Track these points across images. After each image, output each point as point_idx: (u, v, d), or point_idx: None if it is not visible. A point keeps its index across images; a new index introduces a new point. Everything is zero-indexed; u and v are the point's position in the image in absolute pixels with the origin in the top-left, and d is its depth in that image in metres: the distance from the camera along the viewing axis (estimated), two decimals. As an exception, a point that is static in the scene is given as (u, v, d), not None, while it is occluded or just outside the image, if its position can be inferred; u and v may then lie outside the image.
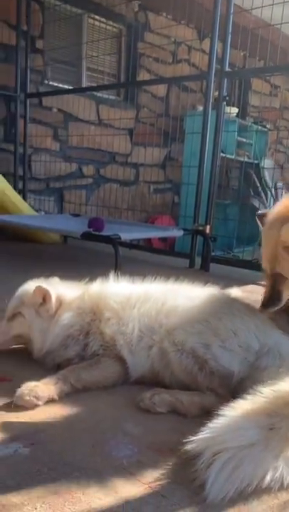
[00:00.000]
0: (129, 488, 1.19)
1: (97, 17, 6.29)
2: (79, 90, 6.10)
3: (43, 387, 1.60)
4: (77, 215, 5.43)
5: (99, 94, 6.37)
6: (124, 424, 1.51)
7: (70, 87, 6.12)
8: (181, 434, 1.43)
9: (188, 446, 1.24)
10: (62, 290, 1.95)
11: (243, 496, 1.16)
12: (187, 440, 1.26)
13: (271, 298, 1.75)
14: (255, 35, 4.57)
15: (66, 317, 1.85)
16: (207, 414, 1.35)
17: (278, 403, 1.33)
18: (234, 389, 1.59)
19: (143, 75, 6.76)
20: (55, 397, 1.61)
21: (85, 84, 6.37)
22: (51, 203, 6.02)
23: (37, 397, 1.56)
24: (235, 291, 1.90)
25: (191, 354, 1.63)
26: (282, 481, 1.19)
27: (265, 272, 1.78)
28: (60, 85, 6.06)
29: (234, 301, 1.86)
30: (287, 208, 1.71)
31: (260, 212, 1.77)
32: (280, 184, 6.92)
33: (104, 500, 1.15)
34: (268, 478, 1.16)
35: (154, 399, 1.57)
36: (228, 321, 1.69)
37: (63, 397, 1.63)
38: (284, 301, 1.74)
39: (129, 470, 1.27)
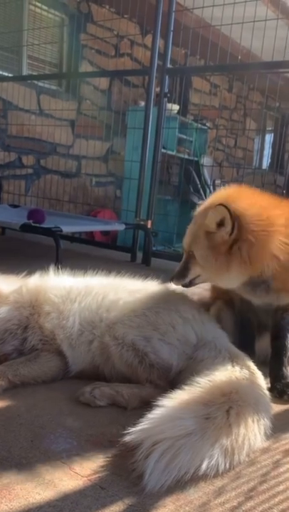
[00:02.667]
0: (68, 482, 1.19)
1: (38, 4, 6.12)
2: (19, 78, 5.93)
3: (-21, 384, 1.55)
4: (16, 206, 5.29)
5: (40, 83, 6.22)
6: (63, 418, 1.51)
7: (10, 75, 5.93)
8: (120, 426, 1.45)
9: (128, 438, 1.26)
10: (-2, 283, 1.90)
11: (181, 484, 1.20)
12: (126, 432, 1.27)
13: (179, 273, 1.86)
14: (196, 34, 4.65)
15: (3, 311, 1.81)
16: (147, 405, 1.38)
17: (214, 393, 1.38)
18: (173, 380, 1.63)
19: (85, 67, 6.67)
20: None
21: (25, 72, 6.19)
22: (-12, 193, 5.82)
23: (-27, 394, 1.52)
24: (174, 285, 1.94)
25: (131, 347, 1.65)
26: (217, 468, 1.24)
27: (184, 249, 1.87)
28: (0, 72, 5.86)
29: (173, 295, 1.90)
30: (218, 197, 1.80)
31: (200, 202, 1.86)
32: (218, 181, 7.10)
33: (43, 494, 1.14)
34: (204, 466, 1.21)
35: (94, 392, 1.58)
36: (166, 315, 1.72)
37: (1, 393, 1.60)
38: (189, 278, 1.85)
39: (68, 464, 1.27)
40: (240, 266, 1.70)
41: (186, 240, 1.83)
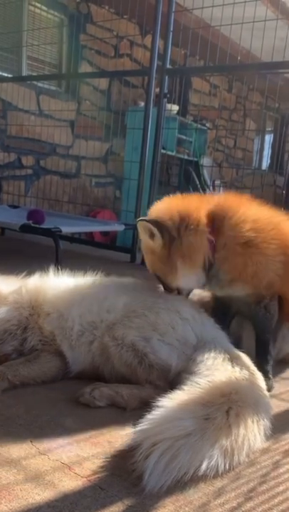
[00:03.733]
0: (67, 483, 1.19)
1: (37, 4, 6.13)
2: (19, 79, 5.93)
3: (-22, 384, 1.55)
4: (15, 207, 5.29)
5: (39, 84, 6.22)
6: (63, 418, 1.50)
7: (10, 75, 5.93)
8: (120, 427, 1.45)
9: (127, 439, 1.26)
10: (-3, 284, 1.90)
11: (180, 484, 1.20)
12: (126, 432, 1.27)
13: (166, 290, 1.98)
14: (196, 34, 4.65)
15: (1, 312, 1.81)
16: (146, 406, 1.37)
17: (214, 394, 1.38)
18: (172, 381, 1.63)
19: (85, 67, 6.67)
20: (-8, 393, 1.57)
21: (25, 73, 6.19)
22: (-13, 193, 5.83)
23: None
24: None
25: (130, 348, 1.65)
26: (217, 469, 1.24)
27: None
28: (-1, 73, 5.87)
29: (172, 296, 1.90)
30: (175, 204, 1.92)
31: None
32: (217, 182, 7.11)
33: (42, 495, 1.14)
34: (203, 466, 1.21)
35: (94, 393, 1.58)
36: (166, 315, 1.73)
37: (0, 393, 1.60)
38: (175, 288, 1.95)
39: (67, 464, 1.27)
40: (183, 263, 1.83)
41: (149, 269, 1.98)
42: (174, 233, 1.82)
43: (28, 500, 1.12)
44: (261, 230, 1.84)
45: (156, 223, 1.82)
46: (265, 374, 1.81)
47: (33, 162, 6.30)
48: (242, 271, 1.84)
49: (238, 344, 1.94)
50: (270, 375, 1.88)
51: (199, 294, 2.28)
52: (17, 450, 1.31)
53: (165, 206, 1.93)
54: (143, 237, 1.89)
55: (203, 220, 1.83)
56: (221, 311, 2.07)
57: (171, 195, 2.04)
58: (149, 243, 1.88)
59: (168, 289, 1.95)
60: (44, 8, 6.21)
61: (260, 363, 1.86)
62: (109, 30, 6.73)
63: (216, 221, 1.85)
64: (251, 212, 1.89)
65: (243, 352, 1.73)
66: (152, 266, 1.94)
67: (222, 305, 2.08)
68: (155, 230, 1.82)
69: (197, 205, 1.89)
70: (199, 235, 1.82)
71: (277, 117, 10.56)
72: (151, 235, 1.85)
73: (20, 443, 1.35)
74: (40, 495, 1.14)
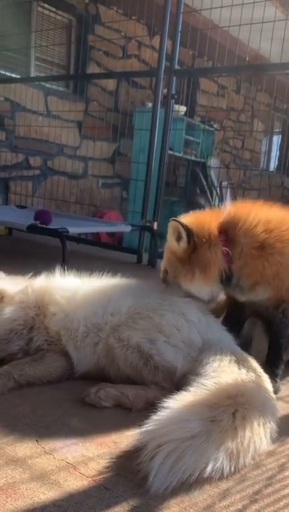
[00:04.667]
0: (72, 482, 1.20)
1: (46, 6, 6.15)
2: (27, 80, 5.96)
3: (-15, 383, 1.56)
4: (23, 207, 5.31)
5: (48, 85, 6.24)
6: (68, 418, 1.51)
7: (18, 76, 5.96)
8: (125, 428, 1.46)
9: (133, 439, 1.26)
10: (3, 284, 1.91)
11: (185, 486, 1.19)
12: (131, 433, 1.27)
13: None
14: (204, 35, 4.65)
15: (8, 311, 1.82)
16: (152, 407, 1.37)
17: (220, 396, 1.38)
18: (178, 383, 1.63)
19: (93, 68, 6.69)
20: (-2, 392, 1.58)
21: (33, 74, 6.22)
22: (-4, 193, 5.86)
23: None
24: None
25: (136, 349, 1.65)
26: (222, 471, 1.24)
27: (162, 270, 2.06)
28: (8, 74, 5.89)
29: (177, 297, 1.89)
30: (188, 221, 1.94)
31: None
32: (225, 183, 7.09)
33: (48, 494, 1.14)
34: (209, 468, 1.21)
35: (99, 393, 1.58)
36: (171, 317, 1.72)
37: (6, 393, 1.60)
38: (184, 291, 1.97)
39: (73, 464, 1.27)
40: (199, 274, 1.86)
41: (163, 262, 2.04)
42: (198, 241, 1.85)
43: (33, 499, 1.12)
44: (275, 230, 1.83)
45: (187, 227, 1.86)
46: (274, 377, 1.81)
47: (41, 163, 6.32)
48: (262, 273, 1.82)
49: (248, 346, 1.94)
50: (278, 379, 1.88)
51: None
52: (23, 449, 1.32)
53: (194, 217, 1.97)
54: (169, 237, 1.93)
55: (215, 233, 1.86)
56: (234, 318, 2.08)
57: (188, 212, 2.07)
58: (173, 243, 1.92)
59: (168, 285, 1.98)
60: (53, 9, 6.23)
61: (272, 366, 1.86)
62: (118, 31, 6.74)
63: (229, 232, 1.86)
64: (262, 214, 1.88)
65: (249, 354, 1.73)
66: (168, 264, 1.97)
67: (236, 310, 2.08)
68: (184, 233, 1.85)
69: (209, 219, 1.92)
70: (212, 248, 1.84)
71: (285, 118, 10.51)
72: (178, 237, 1.88)
73: (26, 442, 1.35)
74: (46, 494, 1.14)
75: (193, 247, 1.86)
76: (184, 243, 1.86)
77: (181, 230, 1.86)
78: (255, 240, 1.81)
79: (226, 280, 1.87)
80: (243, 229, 1.84)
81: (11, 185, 5.92)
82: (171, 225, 1.89)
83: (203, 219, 1.93)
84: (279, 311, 1.90)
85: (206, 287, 1.89)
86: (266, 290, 1.86)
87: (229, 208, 1.96)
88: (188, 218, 1.95)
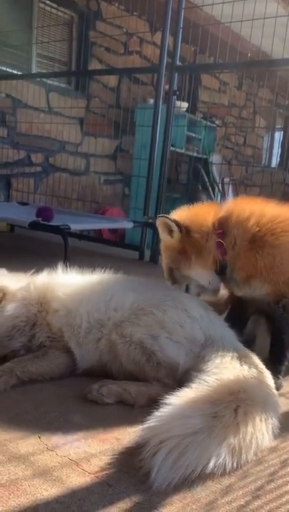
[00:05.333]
0: (75, 479, 1.20)
1: (48, 2, 6.13)
2: (29, 76, 5.94)
3: (-13, 380, 1.56)
4: (25, 204, 5.31)
5: (49, 81, 6.22)
6: (71, 415, 1.51)
7: (20, 73, 5.95)
8: (128, 424, 1.46)
9: (135, 436, 1.26)
10: (5, 281, 1.91)
11: (188, 482, 1.20)
12: (134, 429, 1.28)
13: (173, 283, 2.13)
14: (206, 31, 4.63)
15: (10, 308, 1.82)
16: (154, 403, 1.38)
17: (222, 392, 1.38)
18: (180, 379, 1.63)
19: (94, 65, 6.67)
20: (1, 389, 1.58)
21: (34, 70, 6.21)
22: (-3, 190, 5.86)
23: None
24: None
25: (138, 346, 1.65)
26: (224, 467, 1.24)
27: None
28: (9, 70, 5.88)
29: (179, 294, 1.90)
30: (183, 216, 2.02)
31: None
32: (227, 179, 7.08)
33: (50, 491, 1.15)
34: (211, 464, 1.21)
35: (102, 390, 1.58)
36: (174, 313, 1.72)
37: (9, 389, 1.61)
38: (186, 278, 2.07)
39: (75, 460, 1.28)
40: (196, 258, 1.94)
41: (163, 261, 2.12)
42: (191, 230, 1.94)
43: (36, 495, 1.13)
44: (267, 223, 1.86)
45: (173, 219, 1.96)
46: (276, 373, 1.81)
47: (43, 159, 6.31)
48: (255, 265, 1.86)
49: (251, 344, 1.94)
50: (281, 375, 1.88)
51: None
52: (25, 446, 1.32)
53: (180, 213, 2.06)
54: (162, 233, 2.01)
55: (208, 223, 1.93)
56: (237, 315, 2.10)
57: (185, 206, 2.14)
58: (167, 239, 2.01)
59: (176, 283, 2.04)
60: (54, 5, 6.21)
61: (274, 362, 1.86)
62: (119, 28, 6.72)
63: (224, 224, 1.92)
64: (257, 208, 1.92)
65: (252, 351, 1.73)
66: (168, 258, 2.05)
67: (239, 308, 2.10)
68: (174, 226, 1.95)
69: (205, 211, 2.01)
70: (205, 236, 1.92)
71: (287, 114, 10.48)
72: (170, 232, 1.98)
73: (29, 439, 1.36)
74: (48, 490, 1.15)
75: (187, 235, 1.94)
76: (176, 233, 1.96)
77: (170, 222, 1.96)
78: (246, 232, 1.87)
79: (221, 270, 1.93)
80: (236, 221, 1.90)
81: (12, 182, 5.92)
82: (160, 222, 1.99)
83: (198, 211, 2.02)
84: (280, 307, 1.90)
85: (204, 271, 1.96)
86: (262, 284, 1.88)
87: (229, 203, 2.02)
88: (184, 211, 2.04)
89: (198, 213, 2.00)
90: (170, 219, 1.96)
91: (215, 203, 2.13)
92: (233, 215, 1.93)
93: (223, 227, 1.92)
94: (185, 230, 1.94)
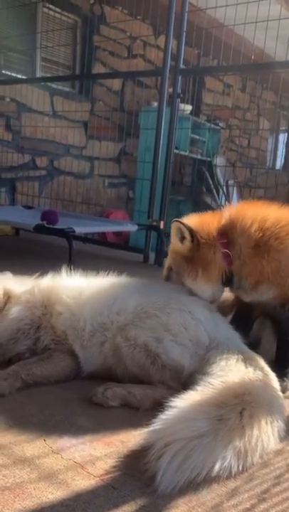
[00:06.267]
0: (80, 482, 1.20)
1: (52, 7, 6.16)
2: (33, 80, 5.97)
3: (-7, 383, 1.57)
4: (30, 207, 5.33)
5: (53, 85, 6.25)
6: (76, 418, 1.51)
7: (24, 77, 5.98)
8: (133, 427, 1.46)
9: (140, 438, 1.26)
10: (10, 284, 1.91)
11: (193, 485, 1.19)
12: (139, 432, 1.27)
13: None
14: (209, 34, 4.63)
15: (14, 311, 1.83)
16: (159, 406, 1.37)
17: (227, 394, 1.38)
18: (185, 382, 1.62)
19: (98, 68, 6.69)
20: (6, 392, 1.59)
21: (39, 74, 6.24)
22: (2, 194, 5.87)
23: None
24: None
25: (143, 348, 1.65)
26: (230, 470, 1.23)
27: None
28: (14, 74, 5.91)
29: (183, 296, 1.89)
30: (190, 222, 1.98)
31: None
32: (231, 182, 7.07)
33: (56, 494, 1.14)
34: (216, 467, 1.20)
35: (106, 393, 1.58)
36: (178, 316, 1.72)
37: (14, 392, 1.61)
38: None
39: (80, 463, 1.27)
40: (202, 273, 1.90)
41: (167, 260, 2.09)
42: (199, 240, 1.90)
43: (41, 499, 1.13)
44: (270, 228, 1.84)
45: (189, 227, 1.91)
46: (282, 376, 1.80)
47: (47, 163, 6.33)
48: (262, 271, 1.83)
49: (256, 346, 1.93)
50: (286, 377, 1.87)
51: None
52: (30, 449, 1.32)
53: (196, 218, 2.01)
54: (173, 238, 1.97)
55: (214, 234, 1.90)
56: (243, 318, 2.09)
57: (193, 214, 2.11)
58: (177, 244, 1.96)
59: (169, 281, 2.04)
60: (58, 10, 6.24)
61: (280, 365, 1.85)
62: (123, 31, 6.74)
63: (229, 234, 1.90)
64: (258, 214, 1.90)
65: (257, 353, 1.72)
66: (173, 262, 2.02)
67: (244, 311, 2.09)
68: (187, 233, 1.90)
69: (209, 221, 1.96)
70: (212, 249, 1.89)
71: (291, 116, 10.47)
72: (182, 238, 1.93)
73: (34, 442, 1.36)
74: (54, 494, 1.14)
75: (197, 246, 1.90)
76: (188, 242, 1.91)
77: (184, 229, 1.91)
78: (250, 239, 1.84)
79: (227, 281, 1.91)
80: (239, 229, 1.88)
81: (17, 186, 5.94)
82: (174, 226, 1.94)
83: (204, 221, 1.97)
84: (286, 309, 1.89)
85: (208, 287, 1.92)
86: (269, 289, 1.86)
87: (229, 210, 1.99)
88: (190, 220, 1.99)
89: (203, 223, 1.96)
90: (185, 225, 1.91)
91: (217, 212, 2.09)
92: (235, 223, 1.90)
93: (226, 236, 1.90)
94: (197, 241, 1.91)
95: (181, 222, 1.92)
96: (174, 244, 1.98)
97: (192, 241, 1.90)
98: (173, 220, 1.97)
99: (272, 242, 1.82)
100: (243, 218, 1.89)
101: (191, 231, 1.90)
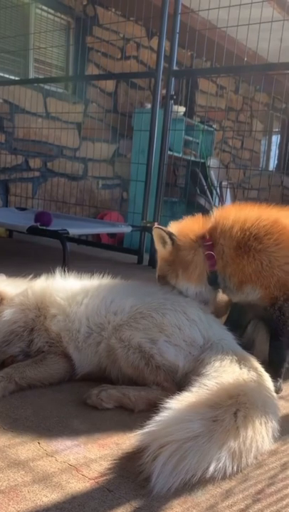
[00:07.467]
0: (75, 484, 1.19)
1: (44, 8, 6.16)
2: (26, 81, 5.95)
3: (-14, 386, 1.56)
4: (23, 209, 5.31)
5: (46, 86, 6.24)
6: (70, 420, 1.51)
7: (17, 78, 5.96)
8: (127, 429, 1.45)
9: (135, 440, 1.26)
10: (3, 286, 1.91)
11: (188, 486, 1.19)
12: (133, 434, 1.27)
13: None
14: (202, 36, 4.65)
15: (8, 313, 1.82)
16: (154, 408, 1.37)
17: (222, 395, 1.38)
18: (179, 382, 1.63)
19: (91, 70, 6.69)
20: None
21: (32, 75, 6.22)
22: (-4, 196, 5.86)
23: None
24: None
25: (137, 349, 1.65)
26: (225, 471, 1.23)
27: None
28: (7, 76, 5.89)
29: (178, 297, 1.90)
30: (172, 227, 2.05)
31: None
32: (224, 183, 7.09)
33: (50, 497, 1.14)
34: (211, 468, 1.20)
35: (101, 395, 1.58)
36: (173, 316, 1.72)
37: (8, 395, 1.60)
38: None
39: (75, 466, 1.27)
40: (182, 274, 1.96)
41: (157, 268, 2.14)
42: (179, 245, 1.97)
43: (35, 501, 1.12)
44: (250, 228, 1.87)
45: (168, 231, 1.99)
46: (275, 376, 1.80)
47: (41, 164, 6.32)
48: (243, 271, 1.87)
49: (250, 347, 1.94)
50: (280, 378, 1.87)
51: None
52: (25, 451, 1.32)
53: (174, 226, 2.08)
54: (156, 244, 2.04)
55: (195, 237, 1.97)
56: (236, 319, 2.12)
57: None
58: (160, 249, 2.04)
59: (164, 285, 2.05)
60: (51, 11, 6.23)
61: (273, 365, 1.85)
62: (116, 33, 6.74)
63: (212, 236, 1.95)
64: (240, 215, 1.94)
65: (251, 354, 1.72)
66: (160, 268, 2.07)
67: (238, 312, 2.12)
68: (167, 237, 1.98)
69: (193, 225, 2.03)
70: (192, 251, 1.95)
71: (284, 118, 10.51)
72: (164, 243, 2.00)
73: (28, 444, 1.35)
74: (48, 496, 1.14)
75: (177, 249, 1.97)
76: (169, 246, 1.99)
77: (164, 234, 1.99)
78: (232, 240, 1.89)
79: (212, 281, 1.95)
80: (221, 231, 1.93)
81: (11, 188, 5.92)
82: (155, 232, 2.02)
83: (187, 225, 2.05)
84: (276, 309, 1.90)
85: (190, 286, 1.97)
86: (254, 289, 1.88)
87: (215, 214, 2.03)
88: (172, 226, 2.08)
89: (184, 228, 2.03)
90: (164, 230, 1.99)
91: (204, 216, 2.13)
92: (218, 225, 1.95)
93: (211, 238, 1.95)
94: (175, 243, 1.98)
95: (161, 229, 2.00)
96: (159, 250, 2.06)
97: (172, 244, 1.98)
98: (154, 227, 2.06)
99: (251, 242, 1.85)
100: (226, 220, 1.93)
101: (170, 235, 1.97)
